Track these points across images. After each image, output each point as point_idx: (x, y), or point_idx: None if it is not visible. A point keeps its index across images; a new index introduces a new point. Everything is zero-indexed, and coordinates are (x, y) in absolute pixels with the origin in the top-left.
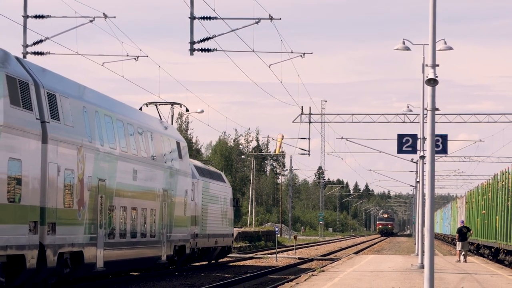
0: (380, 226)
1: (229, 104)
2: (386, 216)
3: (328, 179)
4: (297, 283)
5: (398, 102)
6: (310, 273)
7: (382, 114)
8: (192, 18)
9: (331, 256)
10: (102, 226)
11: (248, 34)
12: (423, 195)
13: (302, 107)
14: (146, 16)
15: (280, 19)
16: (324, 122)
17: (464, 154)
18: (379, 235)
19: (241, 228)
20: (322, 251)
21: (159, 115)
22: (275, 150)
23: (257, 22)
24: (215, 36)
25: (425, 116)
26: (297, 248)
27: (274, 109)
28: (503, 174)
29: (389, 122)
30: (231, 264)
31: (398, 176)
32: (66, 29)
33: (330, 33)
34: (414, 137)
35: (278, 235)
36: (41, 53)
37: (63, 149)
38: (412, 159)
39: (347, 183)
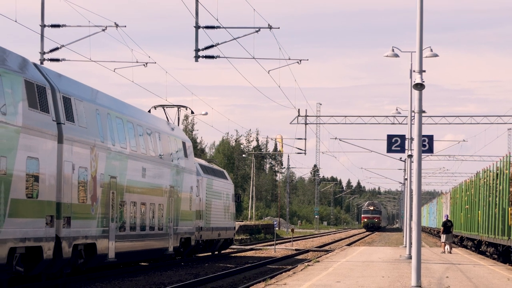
0: (366, 220)
1: (232, 107)
2: (372, 208)
3: (323, 176)
4: (294, 273)
5: (389, 105)
6: (306, 263)
7: (373, 116)
8: (197, 27)
9: (326, 248)
10: (114, 220)
11: (249, 42)
12: (411, 191)
13: (298, 109)
14: (154, 26)
15: (279, 28)
16: (319, 123)
17: (449, 153)
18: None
19: (242, 221)
20: (317, 243)
21: (166, 117)
22: (276, 148)
23: (257, 31)
24: (218, 44)
25: (412, 118)
26: (294, 240)
27: (273, 112)
28: (484, 172)
29: (379, 123)
30: (233, 255)
31: (388, 173)
32: (80, 37)
33: (325, 41)
34: (402, 137)
35: (277, 228)
36: (57, 60)
37: (77, 149)
38: (401, 158)
39: (340, 180)
